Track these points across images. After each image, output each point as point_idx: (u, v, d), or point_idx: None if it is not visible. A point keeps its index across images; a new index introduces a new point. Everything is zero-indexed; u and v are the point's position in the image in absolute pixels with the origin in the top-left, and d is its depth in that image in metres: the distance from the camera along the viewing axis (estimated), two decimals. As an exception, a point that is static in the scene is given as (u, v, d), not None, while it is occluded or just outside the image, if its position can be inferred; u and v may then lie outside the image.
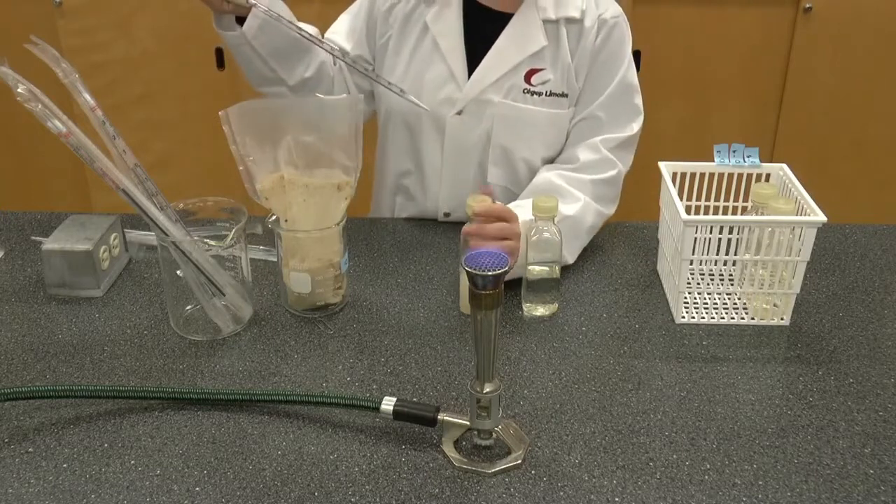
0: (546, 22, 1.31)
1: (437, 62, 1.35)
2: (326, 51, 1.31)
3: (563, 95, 1.34)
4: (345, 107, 1.09)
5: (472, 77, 1.33)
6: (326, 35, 1.41)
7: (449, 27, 1.34)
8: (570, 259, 1.26)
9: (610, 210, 1.33)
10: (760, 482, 0.85)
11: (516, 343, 1.08)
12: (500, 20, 1.33)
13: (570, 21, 1.32)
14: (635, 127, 1.34)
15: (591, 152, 1.32)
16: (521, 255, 1.13)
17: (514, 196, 1.41)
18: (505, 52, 1.32)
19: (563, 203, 1.23)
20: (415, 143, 1.40)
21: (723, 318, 1.13)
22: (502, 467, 0.87)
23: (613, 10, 1.34)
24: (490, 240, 1.10)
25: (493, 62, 1.32)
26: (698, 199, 1.22)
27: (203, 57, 2.46)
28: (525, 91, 1.33)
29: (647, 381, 1.01)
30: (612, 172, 1.31)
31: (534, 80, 1.33)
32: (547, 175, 1.31)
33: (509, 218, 1.13)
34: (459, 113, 1.35)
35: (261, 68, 1.32)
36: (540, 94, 1.33)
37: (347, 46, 1.40)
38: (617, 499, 0.83)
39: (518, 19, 1.32)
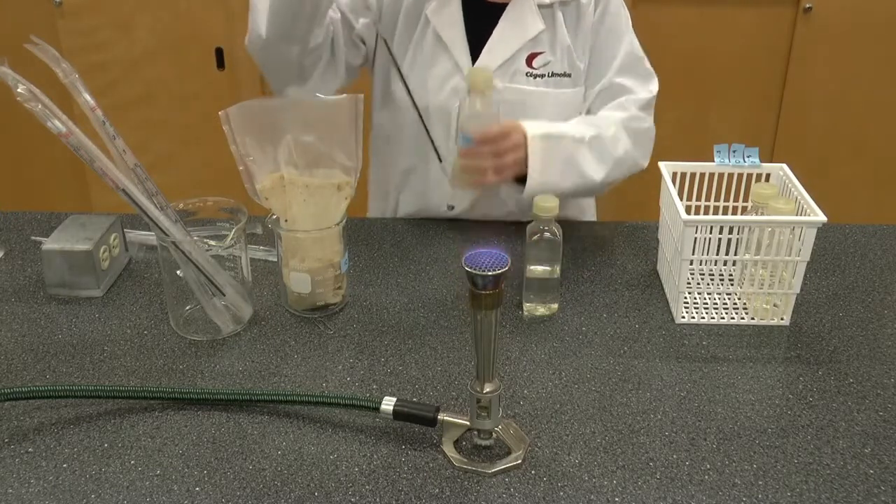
0: (541, 7, 1.34)
1: (441, 55, 1.36)
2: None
3: (566, 75, 1.36)
4: (345, 107, 1.09)
5: (475, 65, 1.35)
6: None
7: (450, 19, 1.35)
8: (597, 177, 1.29)
9: (642, 160, 1.36)
10: (760, 482, 0.85)
11: (516, 343, 1.08)
12: (496, 10, 1.35)
13: (563, 3, 1.34)
14: (654, 89, 1.38)
15: (620, 110, 1.35)
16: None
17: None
18: (504, 39, 1.34)
19: (594, 127, 1.30)
20: (421, 136, 1.40)
21: (723, 318, 1.13)
22: (502, 467, 0.87)
23: None
24: (490, 162, 1.18)
25: (494, 49, 1.34)
26: (698, 199, 1.22)
27: (203, 57, 2.46)
28: (528, 74, 1.36)
29: (647, 381, 1.01)
30: (645, 125, 1.35)
31: (535, 63, 1.35)
32: (579, 117, 1.35)
33: (506, 134, 1.19)
34: None
35: (295, 19, 1.28)
36: (542, 75, 1.36)
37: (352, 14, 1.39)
38: (617, 499, 0.83)
39: (513, 7, 1.34)
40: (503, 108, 1.35)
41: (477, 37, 1.35)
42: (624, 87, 1.36)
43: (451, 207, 1.44)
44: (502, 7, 1.34)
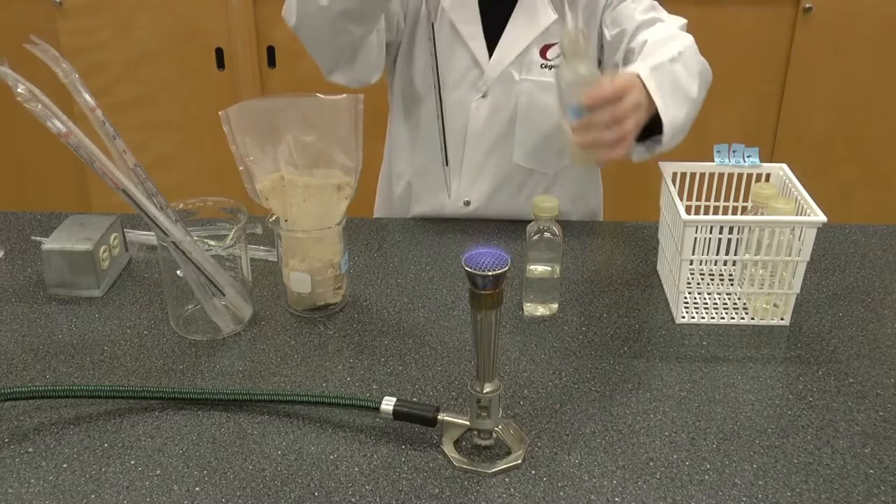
0: None
1: (459, 49, 1.36)
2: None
3: None
4: (345, 106, 1.09)
5: (491, 59, 1.35)
6: None
7: (467, 12, 1.35)
8: (694, 93, 1.16)
9: (708, 68, 1.25)
10: (760, 482, 0.85)
11: (516, 343, 1.08)
12: (509, 2, 1.35)
13: None
14: (683, 20, 1.31)
15: (642, 13, 1.29)
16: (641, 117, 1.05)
17: (541, 176, 1.43)
18: (518, 31, 1.34)
19: (671, 44, 1.19)
20: (437, 131, 1.40)
21: (723, 318, 1.13)
22: (502, 467, 0.87)
23: None
24: (606, 130, 1.02)
25: (509, 43, 1.35)
26: (698, 199, 1.22)
27: (203, 57, 2.46)
28: (542, 66, 1.36)
29: (647, 381, 1.01)
30: (691, 39, 1.25)
31: (549, 54, 1.36)
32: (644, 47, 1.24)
33: (622, 94, 1.02)
34: (484, 96, 1.37)
35: (381, 6, 1.25)
36: (557, 66, 1.35)
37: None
38: (617, 499, 0.83)
39: (524, 0, 1.34)
40: (522, 99, 1.36)
41: (491, 30, 1.36)
42: (657, 17, 1.31)
43: (468, 203, 1.44)
44: (514, 1, 1.34)
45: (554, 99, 1.34)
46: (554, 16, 1.33)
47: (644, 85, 1.08)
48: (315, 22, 1.21)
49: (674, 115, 1.12)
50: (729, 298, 1.17)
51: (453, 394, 0.99)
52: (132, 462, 0.88)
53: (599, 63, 1.37)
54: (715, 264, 1.25)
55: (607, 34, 1.33)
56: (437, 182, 1.44)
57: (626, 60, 1.30)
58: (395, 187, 1.52)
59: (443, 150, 1.38)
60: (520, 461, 0.87)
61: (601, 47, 1.36)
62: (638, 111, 1.05)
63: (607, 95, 1.02)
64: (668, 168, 1.20)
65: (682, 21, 1.33)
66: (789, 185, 1.16)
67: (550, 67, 1.36)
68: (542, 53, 1.36)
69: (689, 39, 1.26)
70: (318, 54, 1.28)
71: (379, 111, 1.43)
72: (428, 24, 1.34)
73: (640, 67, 1.11)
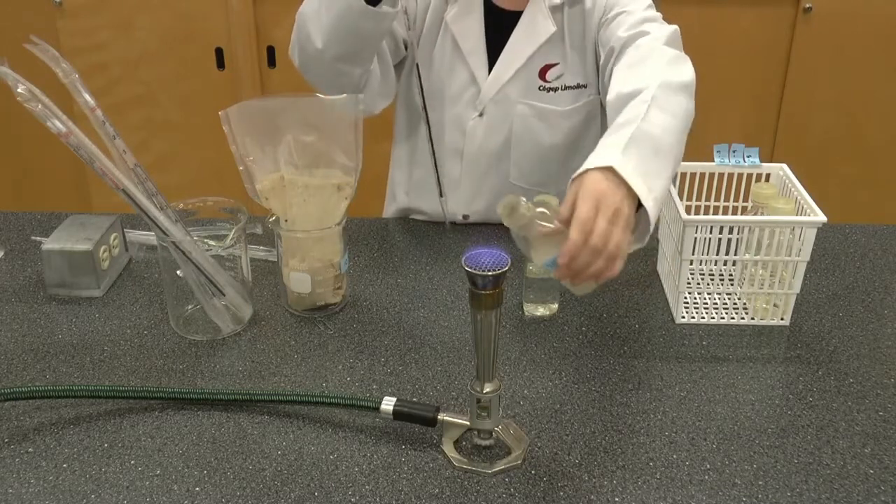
0: (553, 10, 1.31)
1: (459, 65, 1.35)
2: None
3: (580, 87, 1.35)
4: (345, 106, 1.09)
5: (490, 76, 1.34)
6: None
7: (469, 28, 1.34)
8: (681, 144, 1.02)
9: (691, 89, 1.12)
10: (760, 482, 0.85)
11: (516, 343, 1.08)
12: (512, 18, 1.34)
13: (572, 3, 1.32)
14: (675, 28, 1.22)
15: (628, 29, 1.21)
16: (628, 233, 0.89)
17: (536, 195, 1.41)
18: (518, 46, 1.33)
19: (645, 95, 1.05)
20: (436, 147, 1.40)
21: (723, 318, 1.13)
22: (502, 467, 0.87)
23: None
24: (601, 262, 0.87)
25: (509, 58, 1.33)
26: (698, 199, 1.22)
27: (203, 57, 2.46)
28: (541, 88, 1.34)
29: (647, 381, 1.01)
30: (672, 53, 1.16)
31: (548, 76, 1.34)
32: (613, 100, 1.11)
33: (589, 223, 0.86)
34: (481, 115, 1.36)
35: (373, 47, 1.25)
36: (556, 89, 1.34)
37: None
38: (617, 499, 0.83)
39: (527, 13, 1.33)
40: (517, 122, 1.35)
41: (494, 46, 1.34)
42: (643, 31, 1.22)
43: (466, 217, 1.43)
44: (518, 15, 1.33)
45: (548, 126, 1.34)
46: (553, 28, 1.31)
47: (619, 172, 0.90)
48: (314, 64, 1.24)
49: (659, 188, 0.94)
50: (729, 298, 1.17)
51: (453, 394, 0.99)
52: (132, 462, 0.88)
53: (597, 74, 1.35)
54: (715, 264, 1.25)
55: (601, 55, 1.30)
56: (434, 197, 1.44)
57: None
58: (397, 198, 1.52)
59: (437, 184, 1.37)
60: (520, 461, 0.87)
61: (597, 67, 1.34)
62: (618, 220, 0.87)
63: (578, 242, 0.85)
64: (668, 168, 1.19)
65: (670, 30, 1.21)
66: (789, 185, 1.16)
67: (549, 90, 1.34)
68: (542, 75, 1.34)
69: (663, 57, 1.15)
70: (324, 92, 1.28)
71: (382, 112, 1.43)
72: (413, 66, 1.33)
73: (611, 151, 0.93)
